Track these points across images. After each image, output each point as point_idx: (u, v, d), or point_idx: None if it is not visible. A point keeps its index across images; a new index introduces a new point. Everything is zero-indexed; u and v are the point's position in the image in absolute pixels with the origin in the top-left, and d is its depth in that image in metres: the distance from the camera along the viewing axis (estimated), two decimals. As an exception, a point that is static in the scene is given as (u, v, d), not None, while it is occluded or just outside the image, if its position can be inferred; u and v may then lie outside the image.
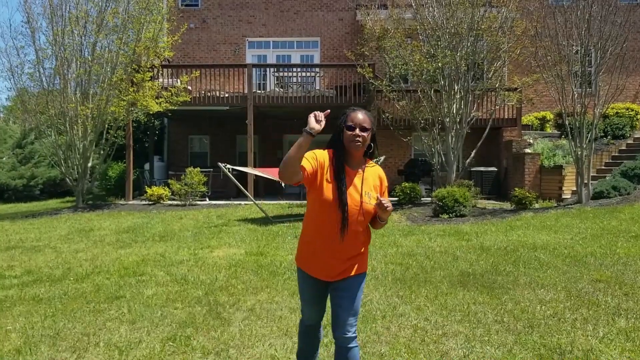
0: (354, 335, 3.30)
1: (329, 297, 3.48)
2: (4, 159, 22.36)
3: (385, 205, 3.16)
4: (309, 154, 3.16)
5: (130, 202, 16.55)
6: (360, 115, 3.21)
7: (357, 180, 3.27)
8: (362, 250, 3.38)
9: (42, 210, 16.33)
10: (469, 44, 14.64)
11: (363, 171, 3.30)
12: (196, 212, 14.04)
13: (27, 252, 9.74)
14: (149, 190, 16.20)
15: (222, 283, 7.14)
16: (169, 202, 16.09)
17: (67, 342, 5.03)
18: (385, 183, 3.43)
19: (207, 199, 16.73)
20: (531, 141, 17.08)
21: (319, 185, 3.20)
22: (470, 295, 6.35)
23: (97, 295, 6.67)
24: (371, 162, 3.39)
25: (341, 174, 3.20)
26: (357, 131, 3.18)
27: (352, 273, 3.35)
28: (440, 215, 12.82)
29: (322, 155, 3.24)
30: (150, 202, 16.03)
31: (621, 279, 6.87)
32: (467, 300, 6.15)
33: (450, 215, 12.73)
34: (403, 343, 4.83)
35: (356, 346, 3.31)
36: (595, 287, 6.54)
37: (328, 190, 3.19)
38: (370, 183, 3.32)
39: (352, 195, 3.23)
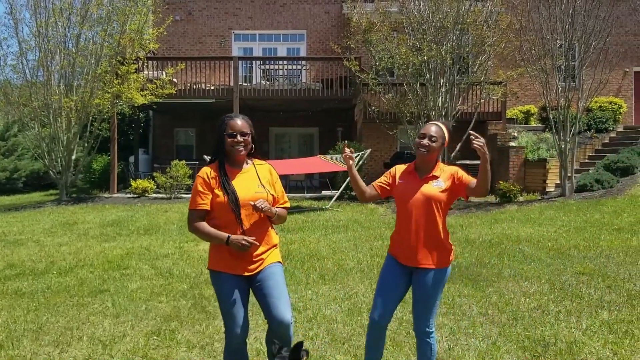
0: (291, 320, 3.41)
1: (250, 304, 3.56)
2: (-14, 151, 22.09)
3: (260, 206, 3.33)
4: (200, 189, 3.44)
5: (114, 195, 16.43)
6: (239, 122, 3.49)
7: (245, 178, 3.49)
8: (273, 243, 3.57)
9: (25, 203, 16.18)
10: (454, 38, 14.66)
11: (254, 168, 3.55)
12: (181, 205, 13.98)
13: (9, 245, 9.65)
14: (133, 184, 16.08)
15: (207, 277, 7.11)
16: (154, 195, 16.00)
17: (50, 336, 4.99)
18: (276, 176, 3.65)
19: (193, 192, 16.64)
20: (516, 134, 17.15)
21: (215, 195, 3.42)
22: (455, 287, 6.39)
23: (81, 289, 6.63)
24: (258, 160, 3.65)
25: (225, 177, 3.45)
26: (239, 137, 3.45)
27: (268, 263, 3.50)
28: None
29: (206, 176, 3.45)
30: (135, 195, 15.92)
31: (604, 272, 6.94)
32: (452, 292, 6.18)
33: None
34: (388, 336, 4.84)
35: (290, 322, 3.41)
36: (578, 280, 6.60)
37: (220, 194, 3.41)
38: (265, 178, 3.55)
39: (243, 191, 3.43)
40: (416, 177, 3.59)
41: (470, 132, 3.46)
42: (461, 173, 3.60)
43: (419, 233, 3.50)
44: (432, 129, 3.56)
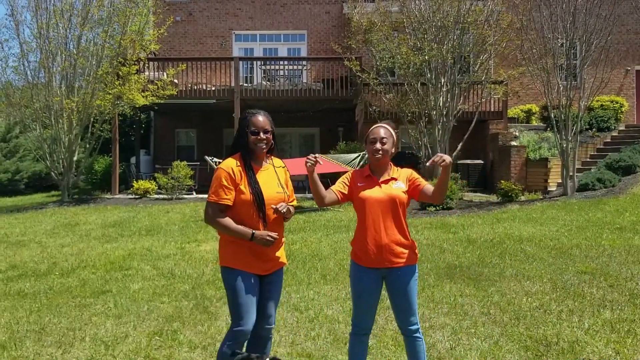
0: (274, 325, 3.68)
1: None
2: (-12, 153, 22.10)
3: (283, 211, 3.45)
4: (224, 182, 3.44)
5: (116, 196, 16.44)
6: (261, 119, 3.53)
7: (266, 176, 3.54)
8: (282, 240, 3.65)
9: (28, 204, 16.19)
10: (455, 37, 14.66)
11: (274, 167, 3.61)
12: (183, 206, 13.99)
13: (12, 246, 9.66)
14: (135, 184, 16.10)
15: (209, 277, 7.12)
16: (156, 196, 16.00)
17: (52, 337, 5.00)
18: (289, 175, 3.74)
19: (194, 193, 16.65)
20: (517, 134, 17.14)
21: (239, 192, 3.46)
22: (457, 287, 6.38)
23: (83, 290, 6.64)
24: (277, 159, 3.69)
25: (252, 175, 3.49)
26: (262, 135, 3.51)
27: (279, 266, 3.64)
28: (427, 208, 12.86)
29: (232, 171, 3.46)
30: (137, 196, 15.93)
31: (606, 271, 6.93)
32: (453, 292, 6.18)
33: (437, 207, 12.77)
34: (390, 336, 4.85)
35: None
36: (580, 279, 6.59)
37: (245, 191, 3.45)
38: (282, 178, 3.63)
39: (266, 189, 3.50)
40: (376, 180, 3.62)
41: (433, 159, 3.44)
42: (416, 176, 3.71)
43: (388, 233, 3.53)
44: (381, 131, 3.61)
